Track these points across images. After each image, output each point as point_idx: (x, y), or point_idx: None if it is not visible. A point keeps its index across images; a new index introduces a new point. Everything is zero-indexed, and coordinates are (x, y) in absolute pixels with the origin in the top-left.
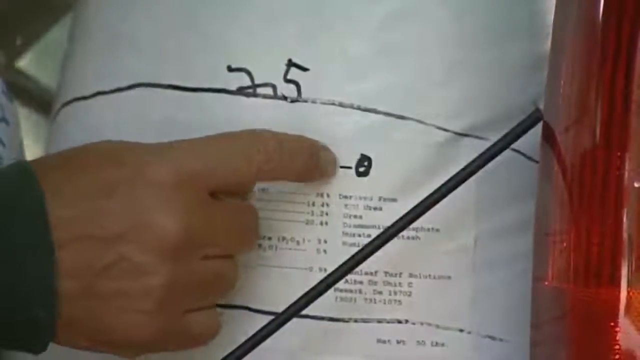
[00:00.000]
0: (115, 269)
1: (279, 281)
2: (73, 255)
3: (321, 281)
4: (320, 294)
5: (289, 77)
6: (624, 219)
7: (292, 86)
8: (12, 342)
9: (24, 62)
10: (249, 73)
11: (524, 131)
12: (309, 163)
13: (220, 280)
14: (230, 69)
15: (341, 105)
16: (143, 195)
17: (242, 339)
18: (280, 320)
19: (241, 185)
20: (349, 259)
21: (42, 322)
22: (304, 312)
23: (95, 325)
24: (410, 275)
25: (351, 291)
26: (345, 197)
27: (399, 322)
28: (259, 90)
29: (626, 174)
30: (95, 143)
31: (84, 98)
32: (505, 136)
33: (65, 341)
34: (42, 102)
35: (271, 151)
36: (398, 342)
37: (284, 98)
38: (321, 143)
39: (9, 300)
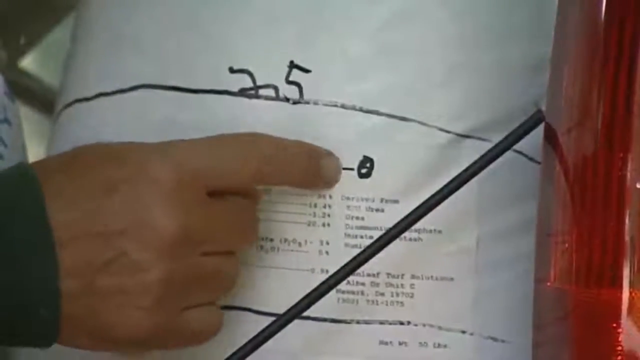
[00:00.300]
0: (114, 265)
1: (280, 282)
2: (74, 253)
3: (323, 282)
4: (322, 295)
5: (290, 78)
6: (626, 220)
7: (294, 88)
8: (17, 341)
9: (27, 62)
10: (250, 74)
11: (526, 132)
12: (309, 168)
13: (219, 276)
14: (232, 71)
15: (343, 106)
16: (143, 193)
17: (244, 340)
18: (282, 321)
19: (240, 186)
20: (351, 261)
21: (45, 321)
22: (305, 313)
23: (96, 323)
24: (413, 276)
25: (353, 292)
26: (347, 198)
27: (401, 323)
28: (261, 92)
29: (628, 175)
30: (97, 143)
31: (86, 99)
32: (507, 137)
33: (67, 340)
34: (45, 101)
35: (269, 154)
36: (400, 343)
37: (286, 100)
38: (325, 149)
39: (12, 301)
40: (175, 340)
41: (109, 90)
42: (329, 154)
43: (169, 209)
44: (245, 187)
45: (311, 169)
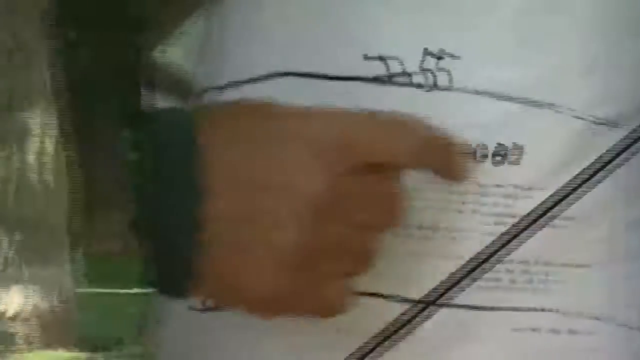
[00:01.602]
0: (252, 219)
1: (413, 269)
2: (217, 200)
3: (459, 269)
4: (459, 282)
5: (424, 66)
6: None
7: (429, 74)
8: (163, 280)
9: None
10: (384, 62)
11: None
12: (453, 160)
13: (354, 251)
14: (366, 58)
15: (477, 93)
16: (297, 153)
17: (378, 328)
18: (417, 308)
19: (392, 165)
20: (486, 248)
21: (185, 261)
22: (441, 300)
23: (226, 272)
24: (548, 264)
25: (488, 280)
26: (483, 186)
27: (535, 310)
28: (395, 79)
29: None
30: (261, 100)
31: (219, 88)
32: None
33: (201, 284)
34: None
35: (424, 139)
36: (533, 330)
37: (420, 86)
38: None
39: (160, 237)
40: (299, 309)
41: (241, 79)
42: (465, 152)
43: (318, 174)
44: (397, 167)
45: (454, 162)
